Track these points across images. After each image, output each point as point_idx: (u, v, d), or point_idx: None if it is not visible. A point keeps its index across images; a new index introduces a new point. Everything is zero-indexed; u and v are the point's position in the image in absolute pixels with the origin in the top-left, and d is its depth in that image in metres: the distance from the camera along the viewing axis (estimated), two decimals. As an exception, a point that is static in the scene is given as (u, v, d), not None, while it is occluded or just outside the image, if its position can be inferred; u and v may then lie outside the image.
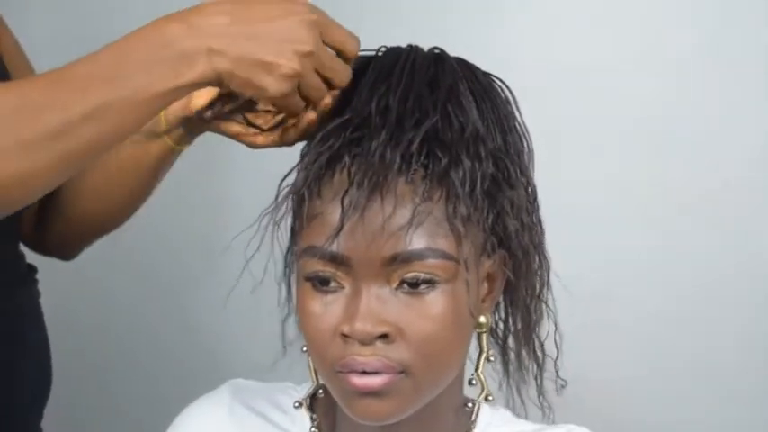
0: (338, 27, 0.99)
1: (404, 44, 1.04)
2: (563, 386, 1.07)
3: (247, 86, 0.95)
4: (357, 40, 1.00)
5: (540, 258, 1.03)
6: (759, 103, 1.60)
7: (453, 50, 1.04)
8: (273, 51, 0.94)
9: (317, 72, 0.97)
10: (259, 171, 1.06)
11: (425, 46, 1.04)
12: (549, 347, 1.05)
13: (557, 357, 1.06)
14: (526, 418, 1.07)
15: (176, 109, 1.10)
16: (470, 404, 1.05)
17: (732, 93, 1.60)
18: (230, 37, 0.94)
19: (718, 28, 1.60)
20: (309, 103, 0.99)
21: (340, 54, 0.99)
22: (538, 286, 1.04)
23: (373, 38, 1.05)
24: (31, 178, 0.93)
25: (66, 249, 1.34)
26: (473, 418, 1.05)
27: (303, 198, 0.96)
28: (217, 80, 0.95)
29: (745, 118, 1.61)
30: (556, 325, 1.05)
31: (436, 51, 1.04)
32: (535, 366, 1.06)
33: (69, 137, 0.93)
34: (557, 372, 1.06)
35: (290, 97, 0.97)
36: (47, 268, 1.34)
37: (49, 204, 1.27)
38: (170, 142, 1.14)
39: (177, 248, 1.51)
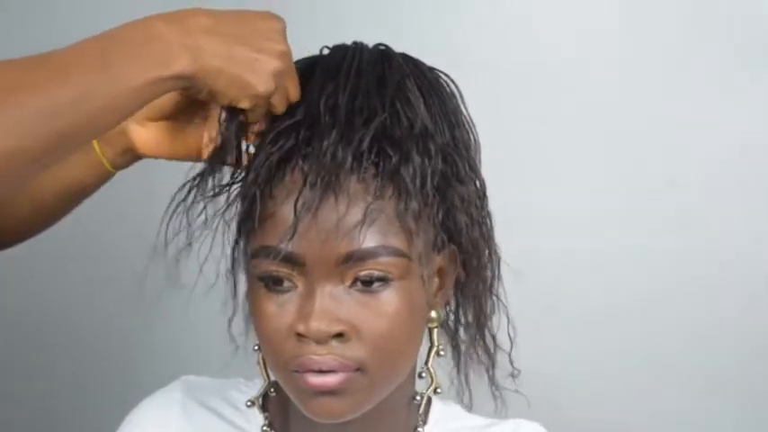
0: None
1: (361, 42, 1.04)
2: (515, 376, 1.08)
3: (234, 85, 0.95)
4: None
5: (490, 252, 1.05)
6: (703, 103, 1.62)
7: (410, 47, 1.05)
8: (258, 49, 0.95)
9: None
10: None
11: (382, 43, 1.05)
12: (503, 340, 1.06)
13: (511, 348, 1.07)
14: (473, 410, 1.09)
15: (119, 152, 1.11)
16: (419, 397, 1.05)
17: (679, 92, 1.62)
18: (219, 35, 0.94)
19: (663, 29, 1.62)
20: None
21: None
22: (489, 279, 1.05)
23: (329, 36, 1.06)
24: (13, 157, 0.90)
25: None
26: (421, 410, 1.06)
27: (255, 199, 0.96)
28: (204, 76, 0.94)
29: (689, 118, 1.62)
30: (508, 317, 1.07)
31: (381, 48, 1.04)
32: (487, 359, 1.07)
33: (55, 119, 0.90)
34: (511, 363, 1.07)
35: (271, 98, 0.97)
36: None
37: None
38: (111, 169, 1.14)
39: (124, 249, 1.50)
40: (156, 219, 1.01)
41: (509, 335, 1.06)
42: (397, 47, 1.05)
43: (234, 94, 0.96)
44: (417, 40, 1.09)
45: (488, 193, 1.05)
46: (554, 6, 1.65)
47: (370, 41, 1.05)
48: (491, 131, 1.08)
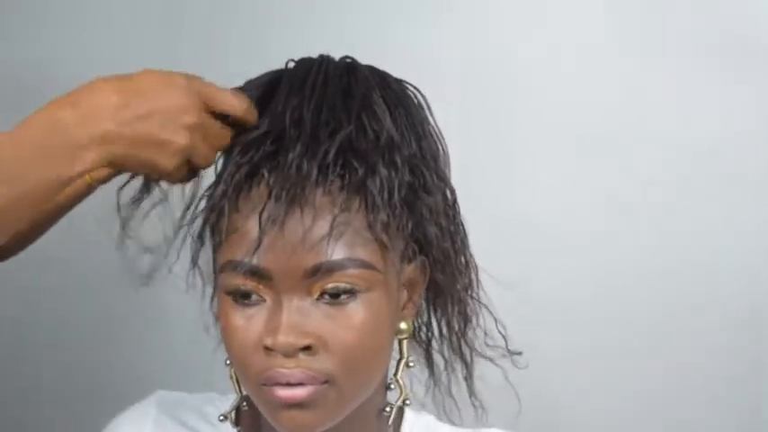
0: (219, 90, 1.01)
1: (338, 46, 1.05)
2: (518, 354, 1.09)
3: (142, 166, 0.99)
4: (243, 97, 1.01)
5: (465, 260, 1.05)
6: (679, 103, 1.62)
7: (384, 53, 1.05)
8: (163, 129, 0.97)
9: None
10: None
11: (353, 49, 1.05)
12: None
13: (506, 344, 1.08)
14: (461, 421, 1.09)
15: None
16: (389, 409, 1.05)
17: (656, 93, 1.63)
18: (122, 119, 0.97)
19: (641, 30, 1.62)
20: (197, 169, 1.02)
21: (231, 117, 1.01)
22: (465, 288, 1.05)
23: (307, 41, 1.07)
24: None
25: None
26: (391, 422, 1.05)
27: (222, 212, 0.96)
28: (112, 164, 0.98)
29: (664, 120, 1.63)
30: (496, 319, 1.07)
31: (348, 60, 1.05)
32: (465, 369, 1.07)
33: None
34: (510, 353, 1.09)
35: (181, 169, 1.00)
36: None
37: None
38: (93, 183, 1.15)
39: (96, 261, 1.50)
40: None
41: (500, 331, 1.07)
42: (376, 55, 1.06)
43: (144, 171, 1.00)
44: (411, 48, 1.09)
45: (473, 198, 1.06)
46: (536, 11, 1.65)
47: (340, 52, 1.05)
48: (466, 138, 1.08)
